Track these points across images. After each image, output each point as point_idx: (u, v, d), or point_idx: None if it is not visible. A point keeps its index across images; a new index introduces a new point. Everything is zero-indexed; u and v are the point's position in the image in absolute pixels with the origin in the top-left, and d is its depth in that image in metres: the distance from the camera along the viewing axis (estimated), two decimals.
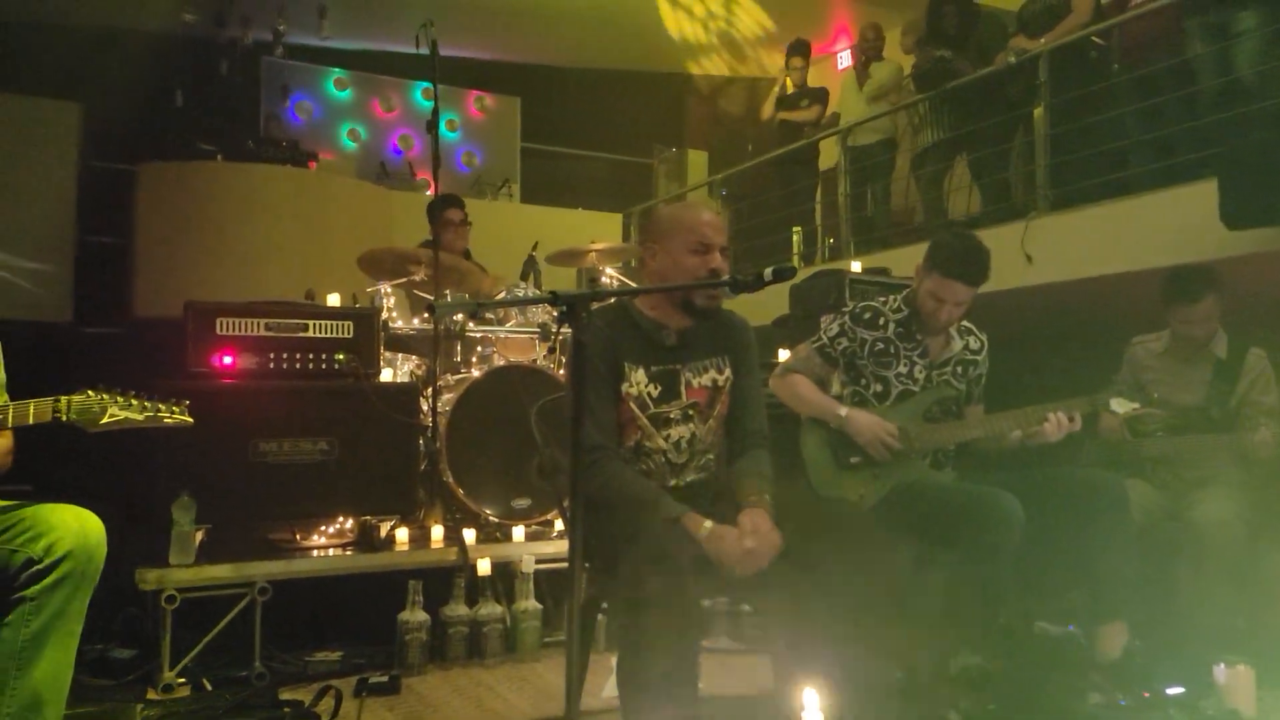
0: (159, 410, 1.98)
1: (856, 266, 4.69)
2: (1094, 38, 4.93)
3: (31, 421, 1.92)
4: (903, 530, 2.79)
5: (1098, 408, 2.86)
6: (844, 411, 2.89)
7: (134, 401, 1.97)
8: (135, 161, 6.23)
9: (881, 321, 2.97)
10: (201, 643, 2.94)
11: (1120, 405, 2.86)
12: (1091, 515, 2.77)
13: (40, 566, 1.87)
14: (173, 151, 6.38)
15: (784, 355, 3.79)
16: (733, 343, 2.44)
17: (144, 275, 6.02)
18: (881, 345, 2.96)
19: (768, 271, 1.96)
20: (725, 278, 2.30)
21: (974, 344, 3.03)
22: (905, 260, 4.97)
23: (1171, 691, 2.44)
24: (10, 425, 1.93)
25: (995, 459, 2.97)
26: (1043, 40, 5.04)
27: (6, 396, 2.14)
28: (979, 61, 5.56)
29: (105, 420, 1.93)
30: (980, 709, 2.62)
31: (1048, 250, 4.70)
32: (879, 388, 2.95)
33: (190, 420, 2.02)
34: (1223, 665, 2.52)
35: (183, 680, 2.91)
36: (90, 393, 1.94)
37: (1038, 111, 5.06)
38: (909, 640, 2.83)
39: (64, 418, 1.92)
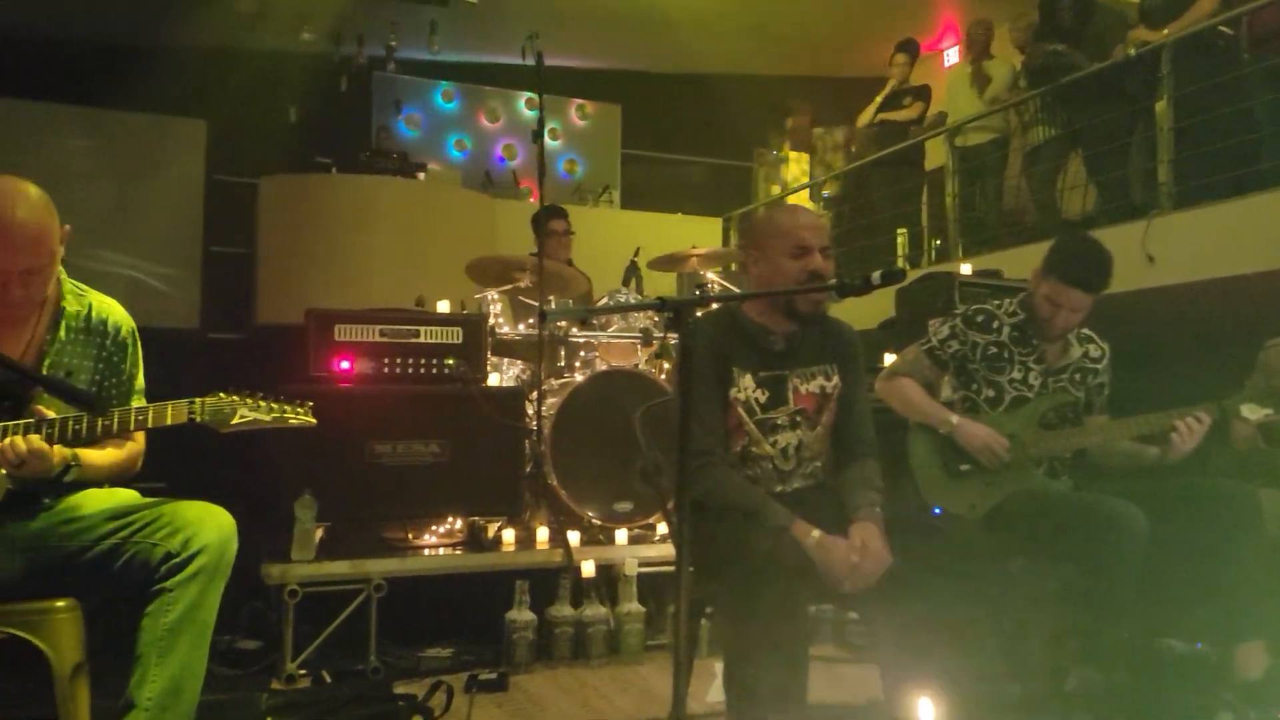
0: (285, 411, 2.07)
1: (966, 269, 4.58)
2: (1221, 27, 4.70)
3: (169, 422, 2.03)
4: (1015, 540, 2.71)
5: (1227, 414, 2.72)
6: (955, 419, 2.82)
7: (262, 403, 2.06)
8: (257, 175, 6.52)
9: (995, 325, 2.89)
10: (321, 636, 3.06)
11: (1252, 411, 2.71)
12: (1221, 527, 2.63)
13: (178, 560, 1.97)
14: (291, 165, 6.66)
15: (890, 360, 3.73)
16: (840, 350, 2.42)
17: (264, 284, 6.30)
18: (995, 349, 2.88)
19: (876, 275, 1.93)
20: (828, 279, 2.29)
21: (1094, 352, 2.92)
22: (1017, 262, 4.83)
23: None
24: (150, 426, 2.05)
25: (1120, 474, 2.86)
26: (1165, 31, 4.83)
27: (145, 399, 2.28)
28: (1095, 55, 5.37)
29: (235, 421, 2.03)
30: None
31: (1171, 250, 4.50)
32: (991, 393, 2.87)
33: (314, 421, 2.11)
34: None
35: (304, 671, 3.03)
36: (222, 395, 2.04)
37: (1160, 105, 4.85)
38: (1023, 653, 2.75)
39: (198, 419, 2.02)
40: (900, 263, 6.65)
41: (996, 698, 2.43)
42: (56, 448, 1.98)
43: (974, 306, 2.97)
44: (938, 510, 2.84)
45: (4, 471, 1.95)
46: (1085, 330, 2.92)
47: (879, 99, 7.21)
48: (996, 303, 2.95)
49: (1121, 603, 2.58)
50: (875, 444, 2.42)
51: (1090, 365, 2.90)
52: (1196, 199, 4.57)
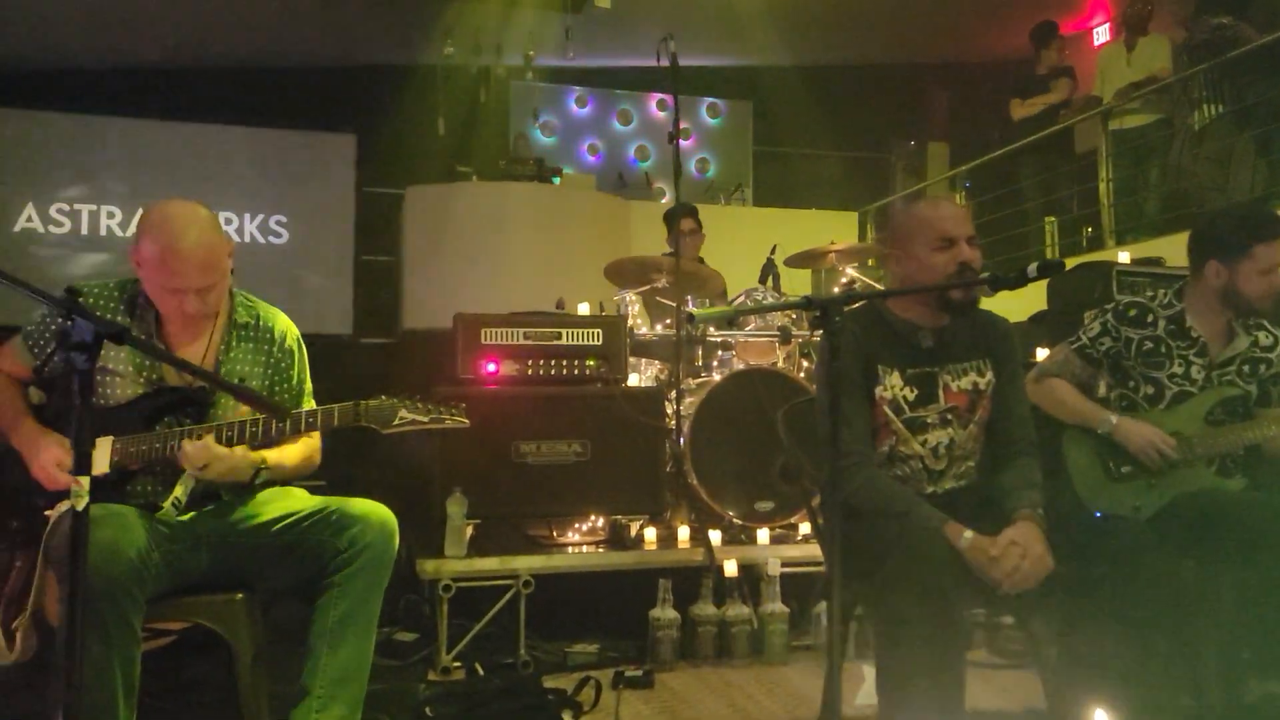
0: (441, 413, 2.15)
1: (1124, 257, 4.35)
2: None
3: (337, 424, 2.15)
4: (1185, 544, 2.56)
5: None
6: (1114, 418, 2.67)
7: (420, 405, 2.15)
8: (402, 186, 6.80)
9: (1150, 319, 2.73)
10: (474, 630, 3.17)
11: None
12: None
13: (346, 555, 2.09)
14: (434, 175, 6.91)
15: (1042, 354, 3.58)
16: (994, 344, 2.33)
17: (410, 290, 6.56)
18: (1150, 344, 2.72)
19: (1032, 268, 1.87)
20: (977, 269, 2.21)
21: (1265, 340, 2.72)
22: (1180, 248, 4.55)
23: None
24: (319, 428, 2.17)
25: None
26: None
27: (314, 402, 2.41)
28: (1265, 26, 5.01)
29: (396, 422, 2.12)
30: None
31: None
32: (1150, 390, 2.72)
33: (467, 422, 2.19)
34: None
35: (458, 664, 3.14)
36: (384, 397, 2.14)
37: None
38: (1196, 663, 2.59)
39: (363, 421, 2.13)
40: (1050, 252, 6.37)
41: (1169, 709, 2.30)
42: (243, 450, 2.12)
43: (1125, 300, 2.81)
44: (1099, 514, 2.70)
45: (194, 473, 2.09)
46: (1255, 319, 2.73)
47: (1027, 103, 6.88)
48: (1150, 295, 2.79)
49: None
50: (1035, 441, 2.33)
51: (1261, 355, 2.71)
52: None
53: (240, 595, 2.16)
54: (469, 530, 3.33)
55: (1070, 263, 4.59)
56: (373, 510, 2.15)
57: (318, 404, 2.32)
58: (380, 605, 2.15)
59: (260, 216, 6.33)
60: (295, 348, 2.40)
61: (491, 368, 3.57)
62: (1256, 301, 2.65)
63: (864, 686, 2.79)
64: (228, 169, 6.32)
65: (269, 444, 2.20)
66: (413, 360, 5.83)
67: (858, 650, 3.24)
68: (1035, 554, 2.03)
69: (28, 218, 5.93)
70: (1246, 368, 2.70)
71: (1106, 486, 2.71)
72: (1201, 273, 2.68)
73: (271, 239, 6.35)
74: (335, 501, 2.19)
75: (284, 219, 6.39)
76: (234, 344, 2.30)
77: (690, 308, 4.22)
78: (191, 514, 2.15)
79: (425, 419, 2.12)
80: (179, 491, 2.09)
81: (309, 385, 2.42)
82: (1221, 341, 2.71)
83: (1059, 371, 2.83)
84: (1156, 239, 5.31)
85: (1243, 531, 2.45)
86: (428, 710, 2.73)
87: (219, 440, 2.09)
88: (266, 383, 2.33)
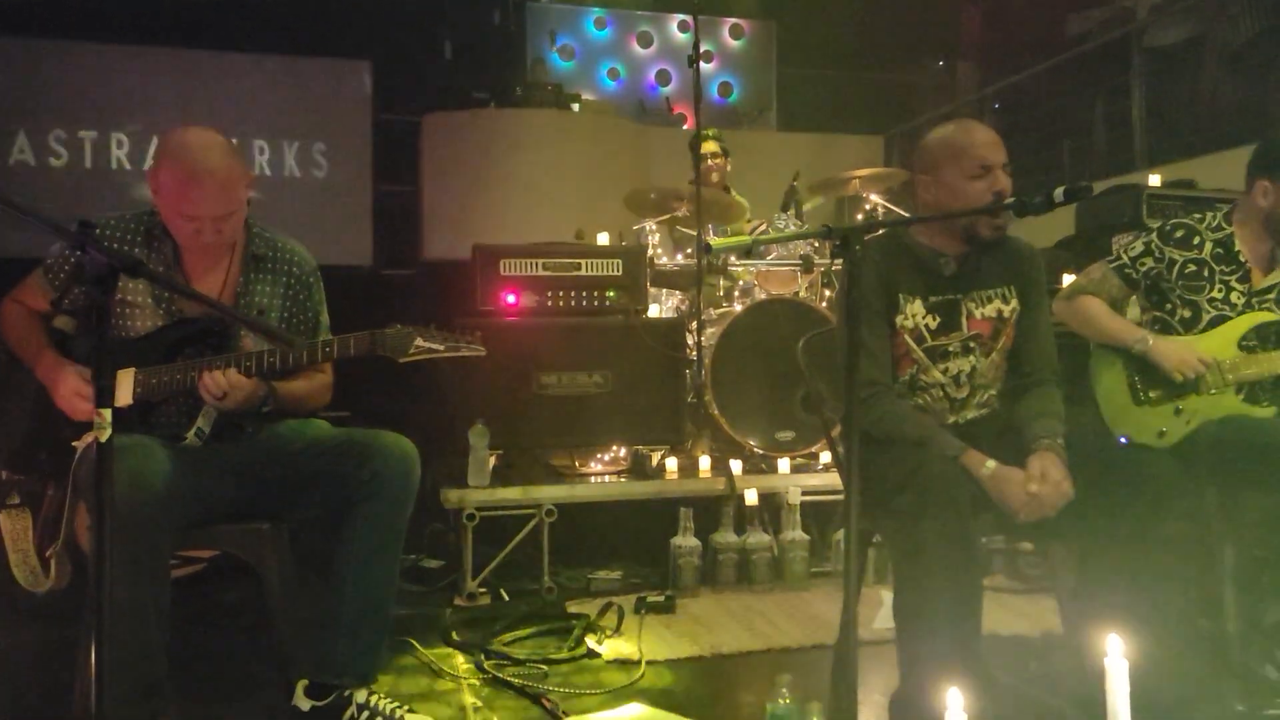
0: (457, 342, 2.15)
1: (1155, 180, 4.23)
2: None
3: (353, 353, 2.15)
4: (1210, 470, 2.54)
5: None
6: (1149, 338, 2.63)
7: (435, 333, 2.15)
8: (419, 113, 6.71)
9: (1196, 241, 2.66)
10: (498, 558, 3.22)
11: None
12: None
13: (369, 486, 2.11)
14: (451, 102, 6.81)
15: (1069, 280, 3.51)
16: (1020, 271, 2.29)
17: (430, 220, 6.53)
18: (1194, 267, 2.66)
19: (1059, 192, 1.81)
20: (1010, 198, 2.16)
21: None
22: (1215, 170, 4.43)
23: None
24: (336, 357, 2.17)
25: None
26: None
27: (330, 333, 2.42)
28: None
29: (412, 351, 2.12)
30: None
31: None
32: (1187, 313, 2.67)
33: (484, 351, 2.18)
34: None
35: (483, 590, 3.20)
36: (399, 326, 2.14)
37: None
38: (1216, 588, 2.59)
39: (378, 349, 2.13)
40: (1079, 176, 6.22)
41: (1187, 633, 2.31)
42: (259, 381, 2.14)
43: (1172, 220, 2.74)
44: (1123, 439, 2.68)
45: (210, 404, 2.11)
46: None
47: None
48: (1198, 216, 2.71)
49: None
50: (1058, 370, 2.30)
51: None
52: None
53: (267, 525, 2.20)
54: (492, 460, 3.37)
55: (1099, 186, 4.50)
56: (395, 442, 2.17)
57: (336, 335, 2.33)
58: (404, 534, 2.18)
59: (274, 145, 6.29)
60: (313, 279, 2.40)
61: (511, 299, 3.56)
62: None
63: (882, 611, 2.82)
64: (240, 97, 6.26)
65: (286, 374, 2.21)
66: (433, 292, 5.83)
67: (876, 575, 3.28)
68: (1054, 481, 2.02)
69: (19, 149, 5.86)
70: None
71: (1132, 410, 2.69)
72: (1251, 192, 2.60)
73: (287, 169, 6.32)
74: (358, 433, 2.21)
75: (298, 148, 6.35)
76: (252, 276, 2.30)
77: (710, 237, 4.17)
78: (215, 445, 2.17)
79: (441, 347, 2.11)
80: (201, 422, 2.12)
81: (325, 317, 2.43)
82: (1264, 268, 2.64)
83: (1095, 290, 2.76)
84: (1189, 160, 5.16)
85: (1266, 459, 2.43)
86: (454, 634, 2.80)
87: (239, 371, 2.10)
88: (285, 314, 2.34)
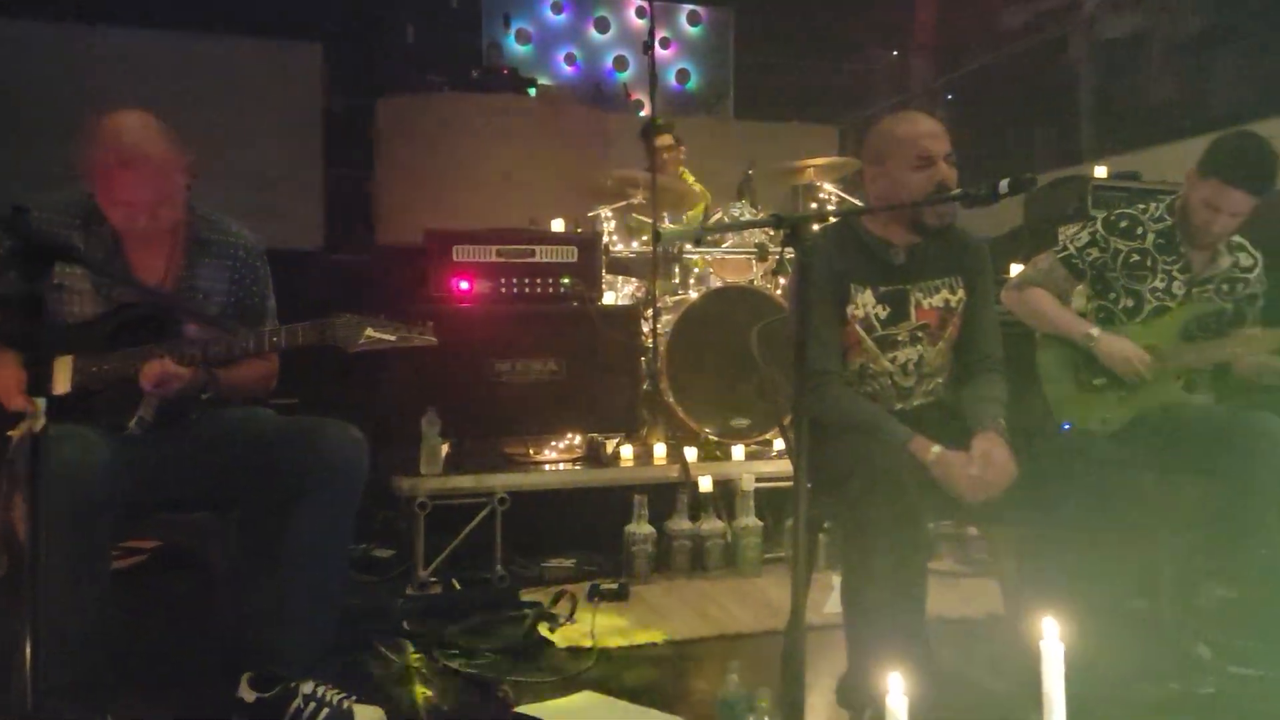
0: (408, 332, 2.13)
1: (1101, 171, 4.31)
2: None
3: (301, 343, 2.12)
4: (1149, 455, 2.60)
5: None
6: (1095, 331, 2.68)
7: (386, 323, 2.13)
8: (373, 96, 6.61)
9: (1139, 231, 2.72)
10: (450, 547, 3.21)
11: None
12: None
13: (315, 475, 2.09)
14: (405, 85, 6.72)
15: (1016, 270, 3.57)
16: (967, 261, 2.32)
17: (384, 205, 6.44)
18: (1137, 257, 2.71)
19: (1003, 183, 1.83)
20: (954, 189, 2.18)
21: (1245, 260, 2.72)
22: (1159, 162, 4.52)
23: None
24: (284, 347, 2.14)
25: (1264, 391, 2.69)
26: None
27: (276, 322, 2.38)
28: None
29: (362, 341, 2.10)
30: (1234, 645, 2.45)
31: None
32: (1129, 302, 2.72)
33: (435, 341, 2.16)
34: None
35: (435, 579, 3.19)
36: (349, 315, 2.11)
37: None
38: (1152, 569, 2.66)
39: (327, 339, 2.10)
40: (1030, 167, 6.31)
41: (1122, 613, 2.38)
42: (195, 369, 2.10)
43: (1117, 211, 2.79)
44: (1066, 426, 2.74)
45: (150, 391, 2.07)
46: (1237, 238, 2.72)
47: None
48: (1141, 207, 2.77)
49: (1261, 518, 2.46)
50: (1001, 358, 2.34)
51: (1240, 275, 2.71)
52: None
53: (211, 514, 2.16)
54: (445, 448, 3.34)
55: (1047, 177, 4.57)
56: (342, 430, 2.14)
57: (287, 322, 2.29)
58: (353, 524, 2.16)
59: (221, 127, 6.15)
60: (259, 264, 2.36)
61: (464, 286, 3.53)
62: (1196, 230, 2.63)
63: (833, 595, 2.84)
64: (186, 77, 6.11)
65: (231, 362, 2.18)
66: (386, 277, 5.75)
67: (828, 561, 3.31)
68: (998, 463, 2.05)
69: None
70: (1225, 286, 2.70)
71: (1076, 398, 2.75)
72: (1193, 185, 2.64)
73: (234, 151, 6.18)
74: (305, 421, 2.19)
75: (247, 130, 6.22)
76: (196, 260, 2.26)
77: (665, 225, 4.17)
78: (158, 433, 2.13)
79: (392, 337, 2.09)
80: (143, 410, 2.08)
81: (272, 302, 2.39)
82: (1205, 258, 2.70)
83: (1041, 281, 2.81)
84: (1135, 152, 5.26)
85: (1204, 445, 2.50)
86: (405, 624, 2.78)
87: (181, 359, 2.06)
88: (230, 299, 2.30)
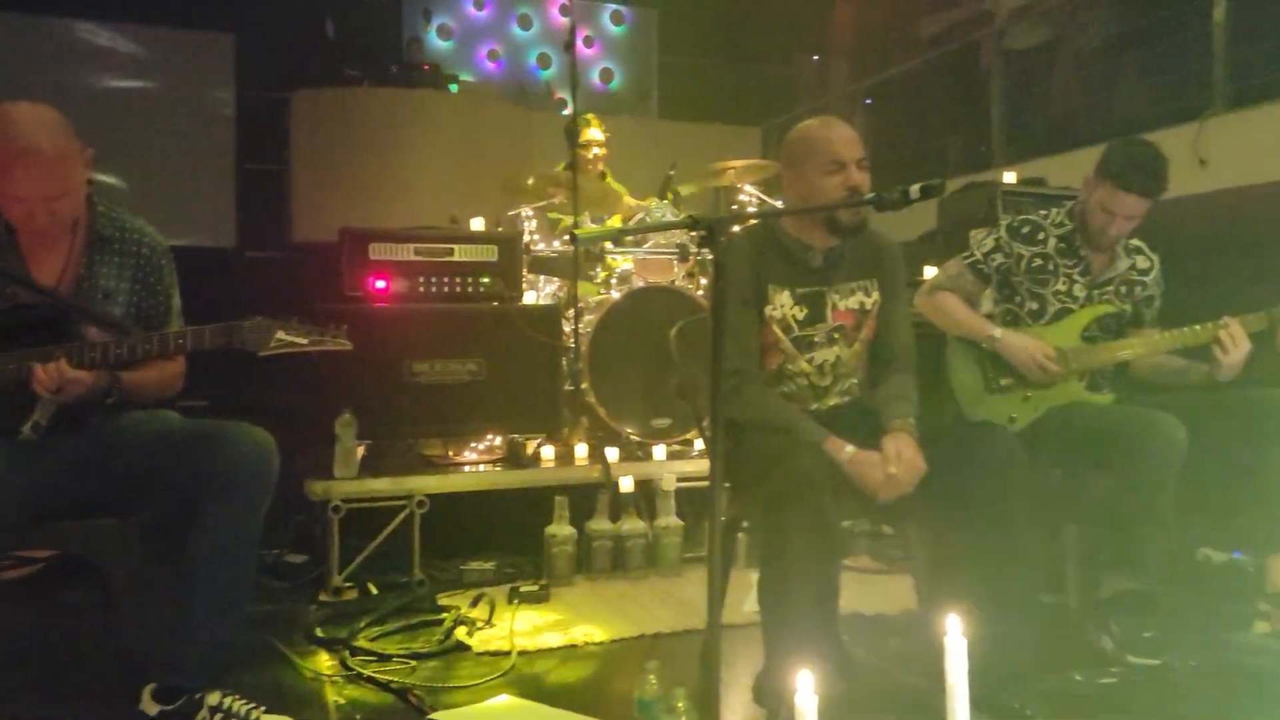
0: (321, 335, 2.08)
1: (1010, 177, 4.44)
2: None
3: (208, 346, 2.06)
4: (1055, 453, 2.69)
5: (1276, 323, 2.64)
6: (998, 332, 2.76)
7: (298, 326, 2.08)
8: (288, 89, 6.46)
9: (1041, 236, 2.81)
10: (366, 551, 3.15)
11: None
12: (1260, 438, 2.58)
13: (221, 479, 2.02)
14: (323, 79, 6.58)
15: (930, 272, 3.66)
16: (881, 264, 2.37)
17: (300, 201, 6.30)
18: (1040, 261, 2.80)
19: (914, 188, 1.87)
20: (866, 193, 2.23)
21: (1142, 263, 2.84)
22: (1066, 168, 4.68)
23: None
24: (190, 349, 2.07)
25: (1166, 389, 2.81)
26: None
27: (183, 321, 2.30)
28: None
29: (272, 344, 2.04)
30: (1134, 635, 2.54)
31: (1225, 152, 4.33)
32: (1034, 305, 2.81)
33: (349, 345, 2.12)
34: None
35: (350, 584, 3.12)
36: (259, 318, 2.05)
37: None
38: (1059, 564, 2.76)
39: (235, 342, 2.04)
40: (946, 172, 6.47)
41: (1030, 607, 2.45)
42: (100, 373, 2.02)
43: (1019, 217, 2.89)
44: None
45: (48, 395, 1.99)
46: (1134, 241, 2.83)
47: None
48: (1043, 213, 2.86)
49: (1161, 513, 2.57)
50: (913, 359, 2.39)
51: (1138, 277, 2.82)
52: (1253, 99, 4.37)
53: (111, 521, 2.08)
54: (360, 451, 3.28)
55: (960, 182, 4.69)
56: (248, 433, 2.08)
57: (197, 322, 2.21)
58: (260, 529, 2.10)
59: (129, 119, 5.94)
60: (164, 262, 2.28)
61: (381, 285, 3.47)
62: (1094, 233, 2.74)
63: (752, 594, 2.86)
64: (93, 67, 5.89)
65: (134, 364, 2.10)
66: (301, 275, 5.63)
67: (748, 559, 3.33)
68: (907, 460, 2.10)
69: None
70: (1124, 288, 2.81)
71: (985, 398, 2.83)
72: (1091, 190, 2.74)
73: (142, 144, 5.97)
74: (210, 424, 2.12)
75: (156, 122, 6.02)
76: (97, 258, 2.17)
77: (582, 225, 4.16)
78: (53, 438, 2.04)
79: (304, 341, 2.04)
80: (38, 415, 1.99)
81: (177, 301, 2.31)
82: (1104, 261, 2.80)
83: (950, 285, 2.90)
84: (1042, 159, 5.43)
85: (1104, 442, 2.59)
86: (318, 631, 2.72)
87: (80, 362, 1.98)
88: (133, 298, 2.22)
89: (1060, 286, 2.79)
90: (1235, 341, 2.58)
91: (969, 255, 2.89)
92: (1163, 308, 2.87)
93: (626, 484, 3.43)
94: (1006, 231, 2.85)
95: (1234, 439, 2.59)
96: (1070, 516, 2.73)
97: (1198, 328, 2.65)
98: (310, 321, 2.11)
